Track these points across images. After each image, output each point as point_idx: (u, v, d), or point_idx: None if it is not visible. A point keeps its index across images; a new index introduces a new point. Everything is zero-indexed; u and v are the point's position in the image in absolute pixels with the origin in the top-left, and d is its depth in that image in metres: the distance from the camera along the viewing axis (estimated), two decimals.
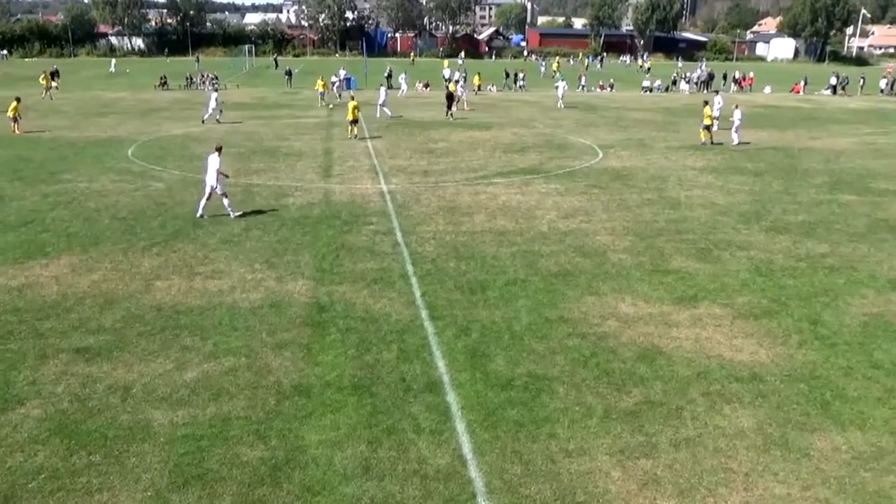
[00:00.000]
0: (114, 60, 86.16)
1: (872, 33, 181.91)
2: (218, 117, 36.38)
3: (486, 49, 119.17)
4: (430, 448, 8.27)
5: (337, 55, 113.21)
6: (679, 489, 7.66)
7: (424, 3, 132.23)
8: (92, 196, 19.96)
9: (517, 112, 42.46)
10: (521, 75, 60.40)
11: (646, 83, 62.27)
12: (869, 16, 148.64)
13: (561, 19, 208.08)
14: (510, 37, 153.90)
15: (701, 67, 74.53)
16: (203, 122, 36.10)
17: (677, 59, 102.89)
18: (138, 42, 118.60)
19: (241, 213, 18.16)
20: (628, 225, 17.89)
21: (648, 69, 79.87)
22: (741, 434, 8.72)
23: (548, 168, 25.20)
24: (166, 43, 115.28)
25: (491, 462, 8.04)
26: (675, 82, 66.21)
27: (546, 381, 9.84)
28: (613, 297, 13.06)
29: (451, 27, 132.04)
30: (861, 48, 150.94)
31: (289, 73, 59.43)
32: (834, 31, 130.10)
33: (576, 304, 12.63)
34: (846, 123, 41.05)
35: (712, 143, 31.09)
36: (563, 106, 44.52)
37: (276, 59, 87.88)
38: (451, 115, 38.61)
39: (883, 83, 67.89)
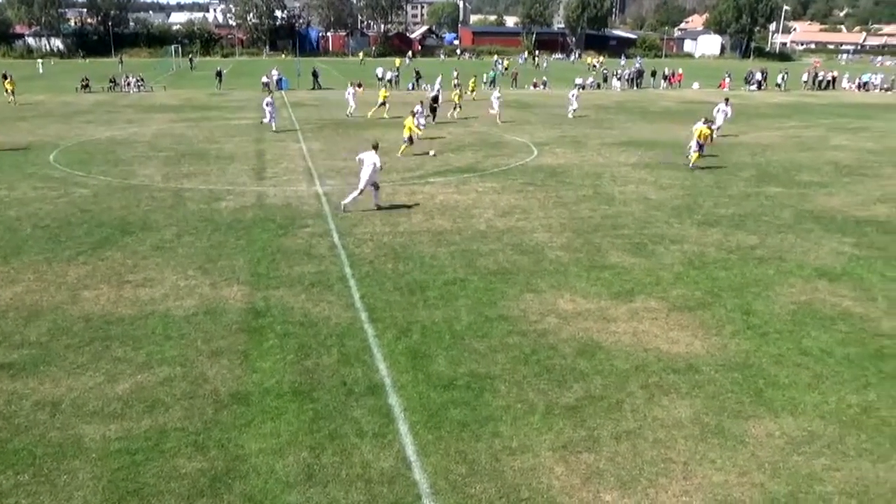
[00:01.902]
0: (41, 61, 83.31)
1: (794, 29, 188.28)
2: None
3: (420, 48, 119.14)
4: (374, 451, 8.18)
5: (265, 55, 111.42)
6: (621, 481, 7.75)
7: (355, 1, 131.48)
8: (12, 204, 19.19)
9: (452, 111, 42.47)
10: (455, 73, 60.51)
11: (578, 80, 63.06)
12: (790, 12, 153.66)
13: (493, 17, 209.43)
14: (443, 35, 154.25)
15: (638, 63, 76.01)
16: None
17: (621, 57, 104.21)
18: (57, 43, 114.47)
19: (388, 205, 18.97)
20: (565, 222, 18.07)
21: (593, 66, 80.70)
22: (679, 424, 8.87)
23: (484, 167, 25.29)
24: (87, 43, 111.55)
25: (435, 463, 8.00)
26: (606, 79, 67.28)
27: (488, 380, 9.85)
28: (552, 293, 13.16)
29: (383, 26, 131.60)
30: (784, 44, 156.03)
31: (219, 74, 58.28)
32: (758, 28, 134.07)
33: (515, 302, 12.69)
34: (771, 118, 42.35)
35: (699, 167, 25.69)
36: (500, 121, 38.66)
37: (191, 60, 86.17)
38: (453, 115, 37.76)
39: (805, 76, 70.34)
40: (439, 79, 51.06)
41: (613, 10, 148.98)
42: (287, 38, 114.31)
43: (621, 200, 20.47)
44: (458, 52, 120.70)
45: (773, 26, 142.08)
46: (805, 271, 14.64)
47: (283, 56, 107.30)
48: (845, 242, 16.71)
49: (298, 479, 7.67)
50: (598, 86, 64.19)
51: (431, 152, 27.15)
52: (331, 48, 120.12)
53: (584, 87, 61.60)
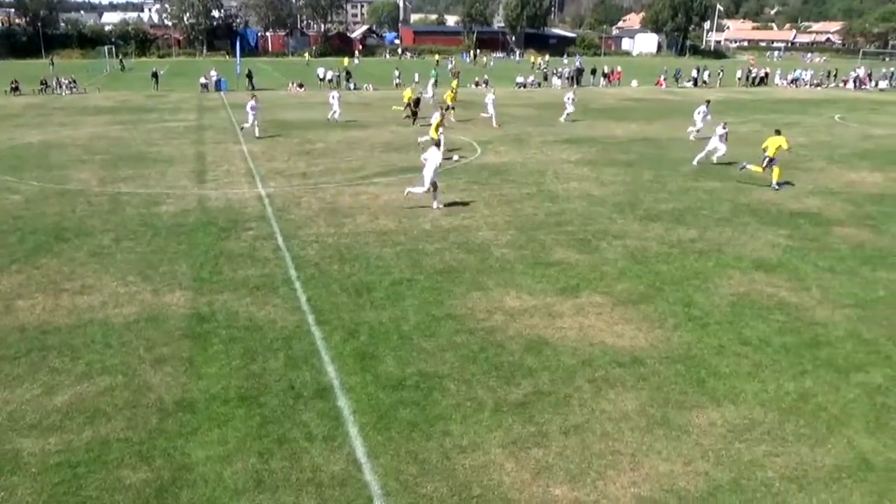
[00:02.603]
0: None
1: (728, 27, 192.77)
2: (336, 117, 36.13)
3: (361, 47, 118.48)
4: (324, 455, 8.12)
5: (203, 56, 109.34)
6: (570, 475, 7.84)
7: (295, 1, 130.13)
8: None
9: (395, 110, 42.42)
10: (396, 73, 60.52)
11: (519, 79, 63.61)
12: (724, 10, 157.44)
13: (434, 16, 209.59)
14: (384, 35, 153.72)
15: (578, 61, 76.93)
16: (331, 120, 36.32)
17: (564, 56, 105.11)
18: None
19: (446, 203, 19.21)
20: (510, 219, 18.20)
21: (543, 64, 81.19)
22: (626, 417, 9.02)
23: None
24: (15, 45, 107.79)
25: (386, 464, 7.98)
26: (546, 77, 67.97)
27: (437, 379, 9.86)
28: (499, 291, 13.24)
29: (323, 26, 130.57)
30: (718, 42, 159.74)
31: (155, 76, 57.09)
32: (693, 26, 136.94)
33: (462, 301, 12.73)
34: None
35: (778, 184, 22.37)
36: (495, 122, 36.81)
37: (122, 61, 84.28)
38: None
39: (739, 73, 72.19)
40: (432, 81, 50.83)
41: (552, 9, 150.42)
42: (225, 38, 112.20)
43: (564, 197, 20.71)
44: (400, 51, 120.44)
45: (707, 24, 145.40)
46: (743, 263, 15.03)
47: (227, 57, 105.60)
48: (780, 234, 17.20)
49: (247, 486, 7.57)
50: (539, 84, 64.78)
51: (455, 157, 26.35)
52: (270, 48, 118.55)
53: (525, 86, 62.13)
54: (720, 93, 59.71)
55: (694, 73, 68.38)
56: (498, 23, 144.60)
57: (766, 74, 73.02)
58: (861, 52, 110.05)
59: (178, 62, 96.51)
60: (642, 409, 9.23)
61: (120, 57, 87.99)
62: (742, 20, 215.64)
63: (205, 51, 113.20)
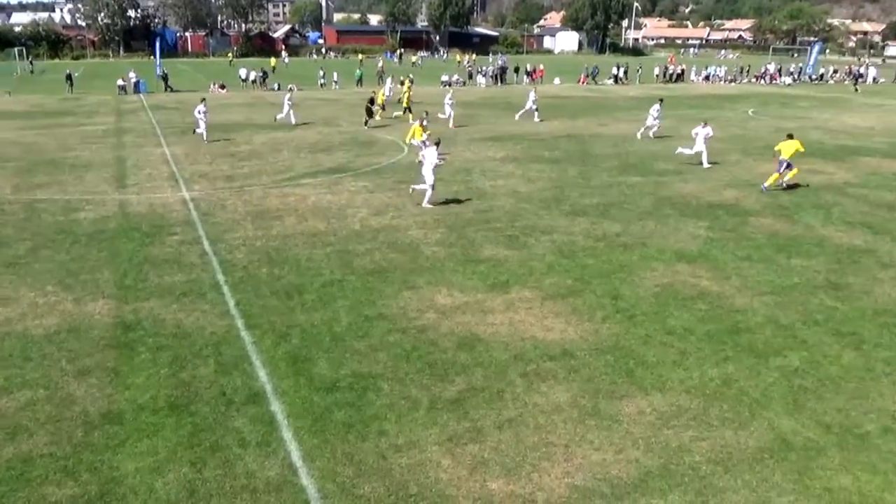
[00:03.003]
0: None
1: (645, 25, 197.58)
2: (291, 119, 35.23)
3: (284, 47, 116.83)
4: (258, 461, 8.03)
5: (115, 57, 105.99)
6: (506, 468, 7.96)
7: (214, 0, 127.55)
8: None
9: (321, 111, 42.09)
10: (321, 73, 60.00)
11: (444, 77, 63.83)
12: (641, 9, 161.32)
13: (357, 16, 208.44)
14: (307, 34, 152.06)
15: (502, 60, 77.52)
16: (279, 120, 35.28)
17: (489, 54, 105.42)
18: None
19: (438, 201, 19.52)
20: (439, 217, 18.28)
21: (468, 63, 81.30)
22: (558, 409, 9.20)
23: (356, 166, 25.20)
24: None
25: (322, 467, 7.95)
26: (471, 76, 68.38)
27: (371, 379, 9.86)
28: (430, 289, 13.30)
29: (244, 25, 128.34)
30: (636, 40, 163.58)
31: (69, 78, 55.09)
32: (612, 25, 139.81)
33: (394, 300, 12.75)
34: (629, 110, 44.28)
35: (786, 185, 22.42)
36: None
37: (31, 62, 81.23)
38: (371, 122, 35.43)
39: (656, 70, 74.08)
40: (389, 80, 50.32)
41: (475, 8, 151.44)
42: (142, 38, 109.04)
43: (492, 194, 20.91)
44: (324, 51, 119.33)
45: (625, 23, 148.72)
46: (666, 255, 15.46)
47: (148, 58, 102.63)
48: (700, 226, 17.76)
49: (180, 497, 7.43)
50: (464, 83, 65.13)
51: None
52: (190, 49, 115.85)
53: (450, 84, 62.38)
54: (639, 89, 61.17)
55: (614, 71, 69.82)
56: (421, 22, 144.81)
57: (683, 71, 75.15)
58: (771, 49, 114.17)
59: (93, 64, 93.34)
60: (574, 400, 9.42)
61: (30, 59, 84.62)
62: (658, 18, 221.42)
63: (121, 52, 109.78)
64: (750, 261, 15.19)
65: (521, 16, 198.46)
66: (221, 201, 19.80)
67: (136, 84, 54.05)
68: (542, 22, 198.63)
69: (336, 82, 58.92)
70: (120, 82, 53.43)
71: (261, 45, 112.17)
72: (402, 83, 45.11)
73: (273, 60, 77.95)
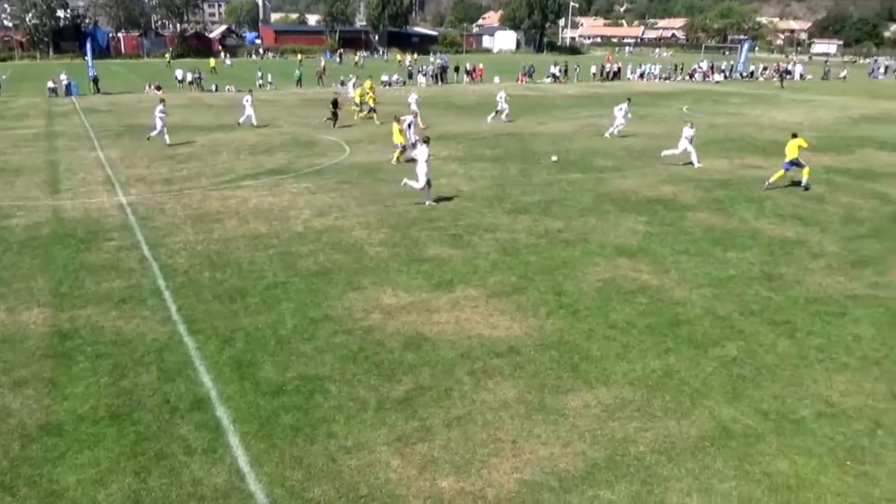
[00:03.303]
0: None
1: (581, 24, 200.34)
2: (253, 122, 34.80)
3: (220, 48, 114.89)
4: (205, 468, 7.92)
5: (44, 58, 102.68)
6: (455, 466, 8.01)
7: (147, 0, 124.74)
8: None
9: (260, 112, 41.51)
10: (259, 74, 59.23)
11: (384, 77, 63.67)
12: (577, 8, 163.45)
13: (295, 16, 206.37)
14: (244, 34, 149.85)
15: (442, 59, 77.63)
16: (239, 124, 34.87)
17: (430, 54, 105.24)
18: None
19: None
20: (382, 217, 18.25)
21: (409, 62, 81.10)
22: (506, 405, 9.29)
23: (297, 167, 24.97)
24: None
25: (270, 472, 7.88)
26: (411, 76, 68.37)
27: (318, 382, 9.81)
28: (375, 290, 13.28)
29: (179, 26, 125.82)
30: (573, 38, 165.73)
31: None
32: (548, 24, 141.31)
33: (339, 301, 12.69)
34: (567, 108, 44.92)
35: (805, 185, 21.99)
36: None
37: None
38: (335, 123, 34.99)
39: (593, 69, 75.21)
40: (353, 80, 49.70)
41: (413, 7, 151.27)
42: (73, 39, 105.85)
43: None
44: (262, 51, 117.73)
45: (562, 22, 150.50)
46: (607, 250, 15.74)
47: (81, 59, 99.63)
48: (640, 221, 18.12)
49: None
50: (404, 83, 65.07)
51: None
52: (124, 50, 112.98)
53: (390, 84, 62.27)
54: (578, 88, 62.03)
55: (552, 70, 70.63)
56: (360, 22, 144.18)
57: (619, 69, 76.44)
58: (703, 47, 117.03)
59: (21, 65, 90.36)
60: (521, 396, 9.53)
61: None
62: (594, 17, 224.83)
63: (51, 53, 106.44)
64: (688, 254, 15.56)
65: (460, 15, 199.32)
66: (160, 205, 19.41)
67: (68, 86, 52.53)
68: (480, 21, 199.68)
69: (270, 83, 58.12)
70: (50, 84, 51.84)
71: (197, 46, 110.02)
72: (360, 85, 44.91)
73: (213, 61, 76.57)
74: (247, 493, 7.54)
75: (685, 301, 12.88)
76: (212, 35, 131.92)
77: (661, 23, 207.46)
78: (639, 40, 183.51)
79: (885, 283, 13.92)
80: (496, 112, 38.11)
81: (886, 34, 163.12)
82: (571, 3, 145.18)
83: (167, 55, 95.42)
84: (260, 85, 57.89)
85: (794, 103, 50.74)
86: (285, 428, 8.71)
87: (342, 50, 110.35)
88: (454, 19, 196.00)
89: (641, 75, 75.51)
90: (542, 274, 14.23)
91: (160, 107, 29.73)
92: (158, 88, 54.27)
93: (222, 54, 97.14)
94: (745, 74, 78.86)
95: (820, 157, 27.75)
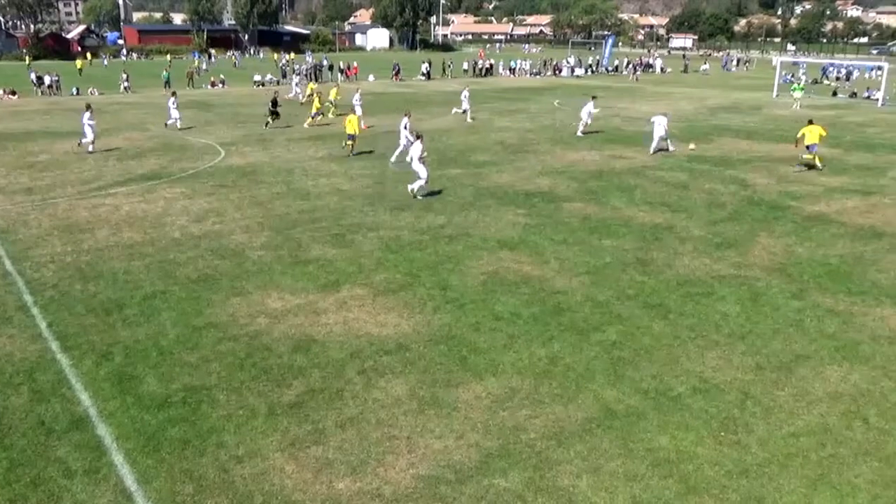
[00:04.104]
0: None
1: (452, 22, 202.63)
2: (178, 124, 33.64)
3: (79, 49, 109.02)
4: (87, 490, 7.57)
5: None
6: (351, 467, 8.00)
7: None
8: None
9: (126, 115, 39.84)
10: (124, 76, 56.60)
11: (256, 77, 62.35)
12: (448, 5, 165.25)
13: (158, 15, 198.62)
14: (105, 35, 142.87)
15: (321, 59, 76.65)
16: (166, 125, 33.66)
17: (307, 54, 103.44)
18: None
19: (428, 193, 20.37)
20: (262, 220, 17.91)
21: (283, 61, 79.39)
22: (398, 402, 9.35)
23: (170, 171, 24.10)
24: None
25: (160, 488, 7.62)
26: (284, 75, 67.23)
27: (205, 392, 9.55)
28: (259, 294, 13.04)
29: (32, 25, 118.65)
30: (445, 36, 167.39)
31: None
32: (420, 21, 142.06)
33: (222, 308, 12.39)
34: (444, 105, 45.31)
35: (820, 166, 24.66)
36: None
37: None
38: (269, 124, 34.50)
39: (465, 65, 76.30)
40: (296, 79, 48.99)
41: (283, 5, 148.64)
42: None
43: (316, 194, 20.76)
44: (125, 52, 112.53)
45: (433, 19, 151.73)
46: (489, 244, 16.05)
47: None
48: (519, 214, 18.58)
49: None
50: (278, 82, 63.89)
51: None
52: None
53: (263, 84, 61.01)
54: (451, 84, 62.71)
55: (425, 67, 71.12)
56: (228, 20, 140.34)
57: (491, 65, 77.87)
58: (570, 43, 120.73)
59: None
60: (412, 392, 9.61)
61: None
62: (465, 15, 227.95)
63: None
64: (566, 244, 16.10)
65: (331, 13, 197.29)
66: (22, 216, 18.29)
67: None
68: (352, 19, 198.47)
69: (127, 85, 55.04)
70: None
71: (53, 47, 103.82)
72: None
73: (79, 62, 72.64)
74: None
75: (566, 289, 13.33)
76: (70, 35, 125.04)
77: (530, 19, 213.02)
78: (509, 37, 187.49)
79: (747, 263, 14.88)
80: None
81: (736, 28, 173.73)
82: (442, 1, 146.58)
83: (27, 58, 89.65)
84: (125, 88, 55.31)
85: (657, 96, 53.23)
86: (173, 441, 8.44)
87: (212, 50, 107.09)
88: (325, 17, 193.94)
89: (512, 71, 77.25)
90: (427, 270, 14.37)
91: (87, 114, 27.79)
92: (13, 93, 51.04)
93: (89, 56, 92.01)
94: (610, 69, 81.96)
95: (683, 146, 29.25)
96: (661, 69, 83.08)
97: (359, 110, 34.53)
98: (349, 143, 27.09)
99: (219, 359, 10.51)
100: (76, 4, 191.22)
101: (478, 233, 16.90)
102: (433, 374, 10.12)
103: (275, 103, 35.01)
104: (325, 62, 74.19)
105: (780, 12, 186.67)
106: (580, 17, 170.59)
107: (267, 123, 34.67)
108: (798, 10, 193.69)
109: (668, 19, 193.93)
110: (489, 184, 22.17)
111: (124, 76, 56.54)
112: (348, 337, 11.28)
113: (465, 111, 37.83)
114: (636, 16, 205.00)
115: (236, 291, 13.18)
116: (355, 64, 71.03)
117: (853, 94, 52.99)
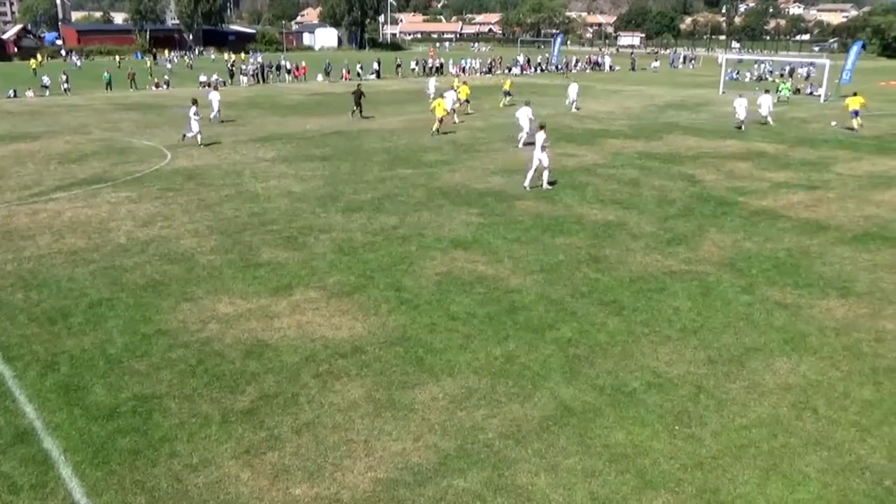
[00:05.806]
0: None
1: (401, 21, 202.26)
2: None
3: (16, 50, 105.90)
4: None
5: None
6: (308, 472, 7.89)
7: None
8: None
9: (66, 118, 38.81)
10: (64, 77, 55.16)
11: (202, 77, 61.37)
12: (396, 5, 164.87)
13: (99, 14, 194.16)
14: (42, 35, 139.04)
15: (258, 58, 75.71)
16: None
17: (251, 53, 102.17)
18: None
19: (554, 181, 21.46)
20: (212, 224, 17.60)
21: (230, 61, 78.33)
22: (354, 405, 9.25)
23: (114, 175, 23.54)
24: None
25: (110, 500, 7.41)
26: (232, 75, 66.30)
27: (156, 400, 9.33)
28: (210, 299, 12.80)
29: None
30: (394, 35, 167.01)
31: None
32: (369, 20, 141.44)
33: (172, 314, 12.12)
34: (394, 104, 45.21)
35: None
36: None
37: None
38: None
39: (413, 64, 76.24)
40: (245, 80, 47.39)
41: (228, 4, 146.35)
42: None
43: (265, 196, 20.48)
44: (64, 53, 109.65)
45: (382, 18, 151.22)
46: (442, 244, 16.02)
47: None
48: (472, 213, 18.59)
49: None
50: (225, 83, 62.97)
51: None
52: None
53: (209, 85, 60.04)
54: (401, 83, 62.59)
55: (375, 66, 70.87)
56: (172, 20, 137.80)
57: (442, 64, 77.95)
58: (519, 41, 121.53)
59: None
60: (369, 395, 9.52)
61: None
62: (413, 14, 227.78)
63: None
64: (520, 242, 16.15)
65: (277, 12, 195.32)
66: None
67: None
68: (299, 18, 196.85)
69: (67, 87, 53.63)
70: None
71: None
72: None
73: (33, 62, 70.59)
74: None
75: (520, 288, 13.36)
76: (5, 36, 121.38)
77: (478, 18, 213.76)
78: (458, 35, 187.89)
79: (697, 259, 15.11)
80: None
81: (682, 27, 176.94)
82: (391, 0, 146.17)
83: (34, 62, 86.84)
84: (66, 90, 53.91)
85: (607, 93, 53.84)
86: (123, 452, 8.22)
87: (156, 50, 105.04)
88: (272, 17, 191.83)
89: (463, 69, 77.45)
90: (381, 271, 14.28)
91: (193, 108, 28.76)
92: None
93: (39, 56, 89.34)
94: (560, 67, 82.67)
95: (633, 143, 29.67)
96: (610, 67, 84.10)
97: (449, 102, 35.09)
98: (437, 124, 31.47)
99: (169, 366, 10.28)
100: (11, 4, 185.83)
101: (431, 233, 16.85)
102: (389, 376, 10.05)
103: (359, 95, 37.67)
104: (283, 62, 73.36)
105: (724, 10, 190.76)
106: (528, 15, 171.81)
107: (353, 112, 37.83)
108: (742, 7, 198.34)
109: (615, 17, 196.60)
110: (441, 183, 22.14)
111: (64, 77, 55.11)
112: (302, 341, 11.13)
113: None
114: (584, 14, 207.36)
115: (186, 297, 12.91)
116: (304, 64, 70.36)
117: (796, 91, 54.28)
